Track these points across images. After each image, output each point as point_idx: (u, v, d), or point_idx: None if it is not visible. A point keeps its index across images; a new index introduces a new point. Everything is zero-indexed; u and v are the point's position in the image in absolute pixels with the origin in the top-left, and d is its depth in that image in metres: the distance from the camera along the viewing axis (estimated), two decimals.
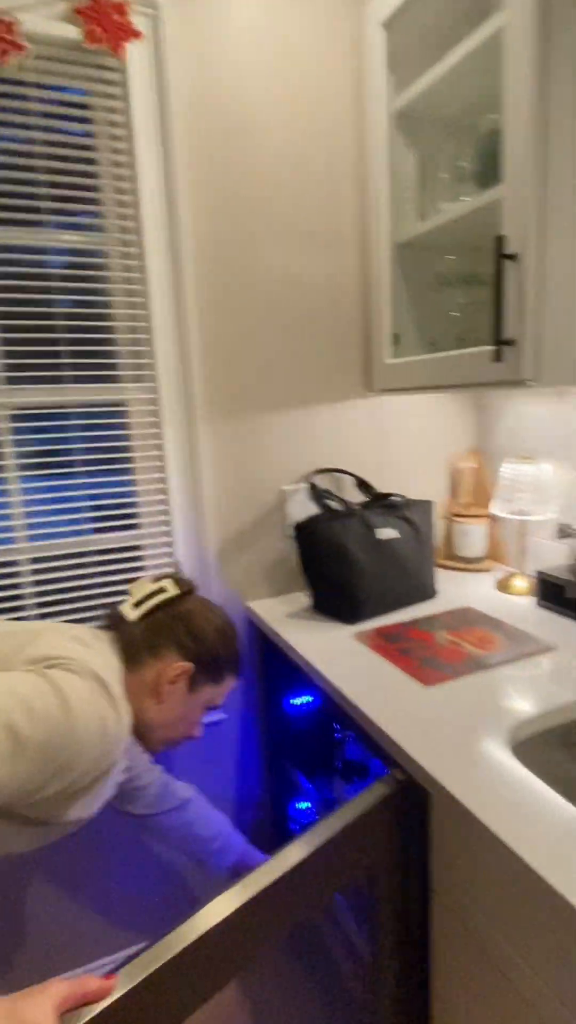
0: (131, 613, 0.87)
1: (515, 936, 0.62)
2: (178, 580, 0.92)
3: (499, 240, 0.93)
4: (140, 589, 0.89)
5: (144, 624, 0.87)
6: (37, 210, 1.08)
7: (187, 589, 0.92)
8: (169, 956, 0.50)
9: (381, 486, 1.41)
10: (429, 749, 0.74)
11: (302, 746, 1.34)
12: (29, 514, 1.16)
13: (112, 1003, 0.47)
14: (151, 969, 0.49)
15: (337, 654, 1.04)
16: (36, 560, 1.18)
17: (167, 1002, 0.51)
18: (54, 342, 1.13)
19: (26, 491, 1.15)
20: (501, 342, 0.95)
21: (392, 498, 1.31)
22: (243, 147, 1.18)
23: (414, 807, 0.75)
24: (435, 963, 0.78)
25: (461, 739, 0.76)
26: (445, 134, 1.23)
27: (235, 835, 1.14)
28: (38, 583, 1.18)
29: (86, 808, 0.76)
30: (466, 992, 0.73)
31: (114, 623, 0.88)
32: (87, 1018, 0.45)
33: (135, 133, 1.10)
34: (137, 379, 1.20)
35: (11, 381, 1.11)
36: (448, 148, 1.21)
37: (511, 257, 0.93)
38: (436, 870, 0.75)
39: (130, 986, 0.48)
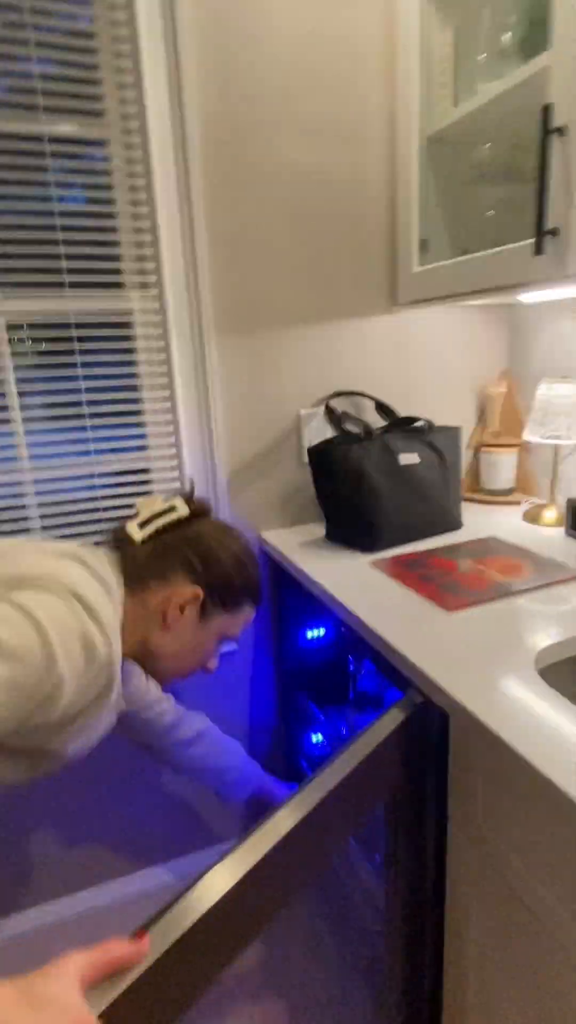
0: (136, 533, 0.80)
1: (537, 861, 0.58)
2: (190, 500, 0.84)
3: (545, 110, 0.81)
4: (148, 507, 0.82)
5: (150, 545, 0.80)
6: (32, 91, 0.97)
7: (200, 510, 0.85)
8: (204, 910, 0.44)
9: (404, 412, 1.32)
10: (449, 671, 0.69)
11: (315, 678, 1.30)
12: (29, 432, 1.10)
13: (147, 968, 0.40)
14: (186, 926, 0.43)
15: (353, 581, 0.98)
16: (39, 482, 1.12)
17: (205, 958, 0.45)
18: (53, 243, 1.04)
19: (26, 407, 1.09)
20: (544, 232, 0.85)
21: (416, 423, 1.22)
22: (257, 25, 1.05)
23: (432, 731, 0.70)
24: (451, 892, 0.75)
25: (483, 662, 0.70)
26: (483, 1, 1.08)
27: (250, 765, 1.11)
28: (41, 505, 1.13)
29: (81, 739, 0.71)
30: (481, 923, 0.70)
31: (118, 543, 0.82)
32: (122, 989, 0.39)
33: (137, 11, 0.98)
34: (142, 286, 1.11)
35: (5, 287, 1.03)
36: (487, 19, 1.07)
37: (558, 131, 0.81)
38: (453, 796, 0.70)
39: (165, 947, 0.41)
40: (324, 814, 0.56)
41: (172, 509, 0.82)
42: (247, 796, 1.11)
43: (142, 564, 0.79)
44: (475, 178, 1.17)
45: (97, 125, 1.03)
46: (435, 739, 0.70)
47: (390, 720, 0.68)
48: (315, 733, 1.29)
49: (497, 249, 0.95)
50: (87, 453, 1.14)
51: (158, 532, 0.80)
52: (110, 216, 1.07)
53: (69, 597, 0.62)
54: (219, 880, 0.47)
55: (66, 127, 1.01)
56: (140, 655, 0.81)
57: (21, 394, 1.08)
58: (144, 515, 0.81)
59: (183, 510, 0.82)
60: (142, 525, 0.80)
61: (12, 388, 1.07)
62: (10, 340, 1.06)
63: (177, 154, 1.05)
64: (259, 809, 1.13)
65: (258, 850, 0.50)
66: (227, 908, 0.46)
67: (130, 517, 0.83)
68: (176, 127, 1.04)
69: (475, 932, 0.71)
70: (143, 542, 0.80)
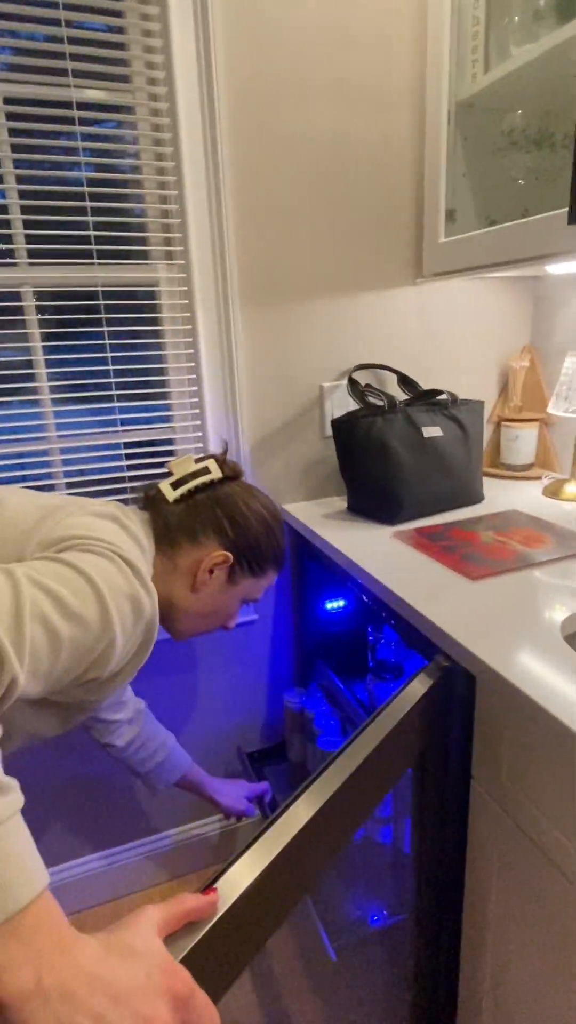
0: (170, 493, 0.82)
1: (562, 817, 0.60)
2: (223, 462, 0.85)
3: None
4: (182, 467, 0.83)
5: (183, 506, 0.82)
6: (61, 55, 0.96)
7: (232, 473, 0.86)
8: (267, 863, 0.47)
9: (427, 385, 1.32)
10: (475, 636, 0.70)
11: (335, 648, 1.33)
12: (56, 402, 1.11)
13: (219, 919, 0.43)
14: (251, 879, 0.45)
15: (376, 551, 1.00)
16: (66, 451, 1.14)
17: (268, 910, 0.48)
18: (81, 212, 1.04)
19: (53, 377, 1.10)
20: None
21: (439, 396, 1.22)
22: None
23: (458, 694, 0.72)
24: (472, 851, 0.78)
25: (508, 629, 0.72)
26: None
27: (181, 751, 1.14)
28: (68, 475, 1.15)
29: (115, 693, 0.74)
30: (502, 878, 0.72)
31: (150, 502, 0.83)
32: (196, 939, 0.41)
33: None
34: (168, 256, 1.11)
35: (33, 255, 1.03)
36: None
37: None
38: (478, 757, 0.72)
39: (233, 899, 0.44)
40: (365, 774, 0.58)
41: (205, 471, 0.83)
42: (176, 781, 1.13)
43: (174, 525, 0.80)
44: (505, 146, 1.15)
45: (124, 91, 1.02)
46: (462, 702, 0.72)
47: (419, 684, 0.70)
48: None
49: (527, 219, 0.94)
50: (113, 423, 1.15)
51: (191, 493, 0.81)
52: (138, 184, 1.06)
53: (117, 559, 0.63)
54: (278, 836, 0.50)
55: (93, 93, 1.00)
56: (163, 612, 0.81)
57: (48, 364, 1.09)
58: (178, 475, 0.82)
59: (216, 472, 0.83)
60: (175, 485, 0.81)
61: (40, 357, 1.08)
62: (38, 310, 1.06)
63: (205, 120, 1.04)
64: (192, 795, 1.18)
65: (309, 809, 0.52)
66: (287, 860, 0.49)
67: (160, 479, 0.84)
68: (204, 92, 1.03)
69: (497, 886, 0.74)
70: (176, 502, 0.81)
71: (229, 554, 0.82)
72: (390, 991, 1.11)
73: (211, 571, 0.81)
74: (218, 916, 0.43)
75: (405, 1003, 0.95)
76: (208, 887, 0.45)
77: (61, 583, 0.57)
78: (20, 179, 1.00)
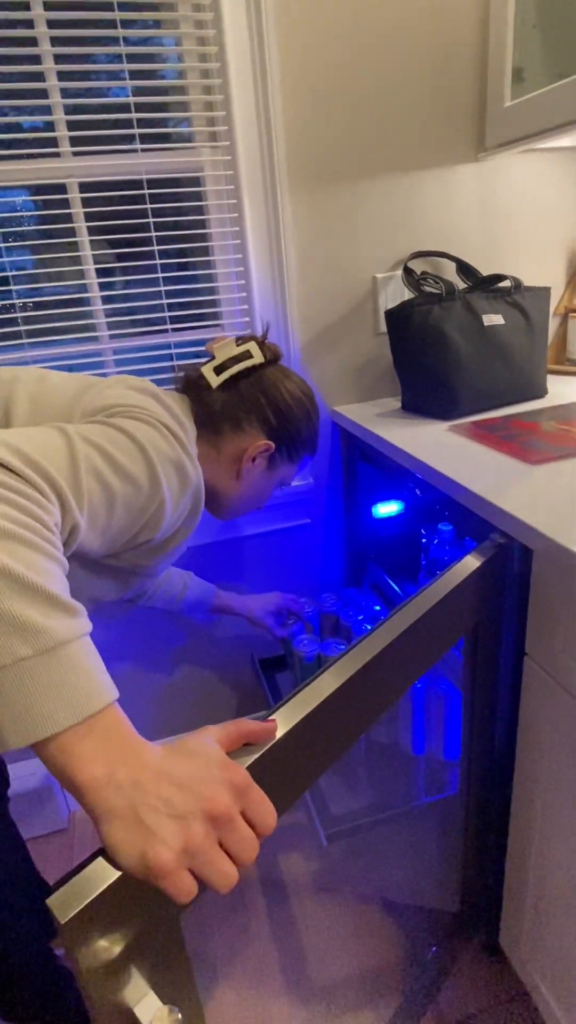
0: (214, 379, 0.81)
1: None
2: (263, 344, 0.84)
3: None
4: (224, 351, 0.81)
5: (226, 393, 0.81)
6: None
7: (273, 356, 0.85)
8: (321, 699, 0.49)
9: (488, 272, 1.24)
10: (534, 513, 0.68)
11: (386, 551, 1.33)
12: (105, 299, 1.11)
13: (276, 743, 0.45)
14: (304, 713, 0.48)
15: (431, 443, 0.97)
16: (118, 351, 1.15)
17: (322, 742, 0.50)
18: (123, 98, 0.99)
19: (102, 273, 1.09)
20: None
21: (501, 282, 1.14)
22: None
23: (514, 570, 0.71)
24: (523, 724, 0.78)
25: (570, 505, 0.69)
26: None
27: (200, 583, 1.16)
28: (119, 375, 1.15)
29: (168, 559, 0.76)
30: (555, 751, 0.73)
31: (190, 386, 0.83)
32: (255, 756, 0.43)
33: None
34: (212, 137, 1.06)
35: (76, 143, 1.01)
36: None
37: None
38: (532, 631, 0.72)
39: (289, 727, 0.46)
40: (413, 637, 0.59)
41: (248, 355, 0.82)
42: (210, 605, 1.17)
43: (218, 411, 0.80)
44: None
45: None
46: (517, 578, 0.71)
47: (473, 559, 0.69)
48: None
49: None
50: (163, 322, 1.14)
51: (234, 378, 0.81)
52: (178, 60, 1.01)
53: (160, 427, 0.64)
54: (330, 679, 0.52)
55: None
56: (206, 495, 0.82)
57: (97, 260, 1.08)
58: (220, 358, 0.81)
59: (259, 356, 0.82)
60: (218, 371, 0.80)
61: (88, 252, 1.07)
62: (83, 202, 1.04)
63: None
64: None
65: (359, 660, 0.54)
66: (339, 701, 0.51)
67: (201, 363, 0.83)
68: None
69: (548, 759, 0.75)
70: (219, 388, 0.81)
71: (272, 443, 0.83)
72: (440, 870, 1.17)
73: (254, 459, 0.82)
74: (275, 741, 0.45)
75: (456, 878, 1.00)
76: (267, 719, 0.47)
77: (111, 443, 0.58)
78: (59, 62, 0.96)
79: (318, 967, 1.08)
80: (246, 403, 0.81)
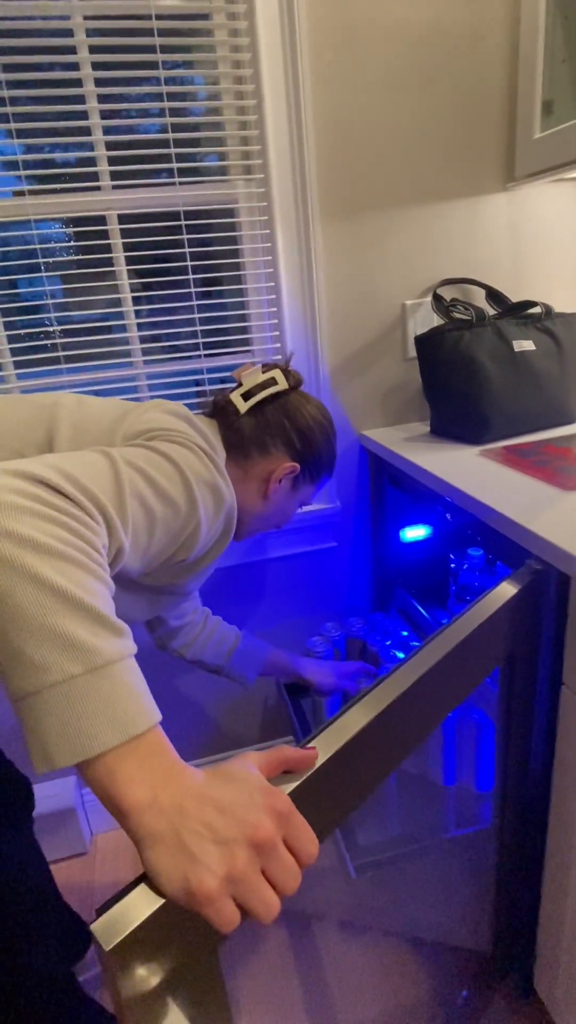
0: (242, 404, 0.83)
1: None
2: (287, 372, 0.86)
3: None
4: (251, 378, 0.84)
5: (254, 419, 0.84)
6: None
7: (295, 383, 0.87)
8: (357, 730, 0.49)
9: (518, 300, 1.24)
10: (572, 537, 0.67)
11: (414, 576, 1.32)
12: (141, 326, 1.14)
13: (316, 771, 0.45)
14: (343, 741, 0.48)
15: (462, 468, 0.97)
16: (151, 376, 1.17)
17: (360, 771, 0.50)
18: (162, 130, 1.03)
19: (138, 300, 1.12)
20: None
21: (532, 308, 1.15)
22: None
23: (551, 597, 0.70)
24: (560, 756, 0.76)
25: None
26: None
27: (256, 641, 1.14)
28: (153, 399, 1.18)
29: (200, 579, 0.77)
30: None
31: (219, 411, 0.85)
32: (298, 782, 0.43)
33: None
34: (246, 171, 1.09)
35: (115, 176, 1.04)
36: None
37: None
38: (570, 660, 0.71)
39: (329, 755, 0.46)
40: (448, 667, 0.58)
41: (273, 381, 0.84)
42: (260, 668, 1.13)
43: (247, 435, 0.83)
44: None
45: None
46: (555, 606, 0.70)
47: (510, 586, 0.68)
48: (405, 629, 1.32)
49: None
50: (196, 348, 1.16)
51: (259, 404, 0.83)
52: (216, 97, 1.04)
53: (197, 450, 0.66)
54: (365, 709, 0.51)
55: (171, 1, 0.98)
56: None
57: (133, 288, 1.11)
58: (247, 385, 0.84)
59: (283, 383, 0.85)
60: (246, 397, 0.83)
61: (125, 280, 1.10)
62: (122, 232, 1.08)
63: (283, 20, 1.00)
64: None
65: (392, 692, 0.53)
66: (375, 731, 0.50)
67: (228, 389, 0.85)
68: None
69: None
70: (247, 413, 0.83)
71: (297, 465, 0.85)
72: (470, 903, 1.14)
73: (280, 480, 0.84)
74: (315, 768, 0.45)
75: (488, 916, 0.97)
76: (307, 746, 0.47)
77: (152, 467, 0.60)
78: (101, 99, 1.01)
79: (343, 1005, 1.05)
80: (272, 427, 0.84)
